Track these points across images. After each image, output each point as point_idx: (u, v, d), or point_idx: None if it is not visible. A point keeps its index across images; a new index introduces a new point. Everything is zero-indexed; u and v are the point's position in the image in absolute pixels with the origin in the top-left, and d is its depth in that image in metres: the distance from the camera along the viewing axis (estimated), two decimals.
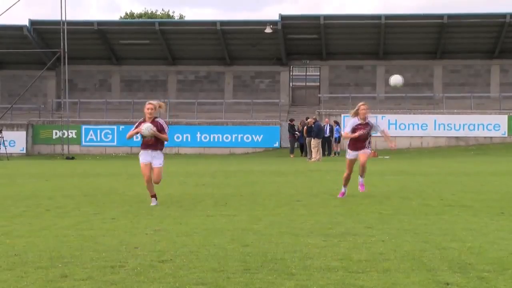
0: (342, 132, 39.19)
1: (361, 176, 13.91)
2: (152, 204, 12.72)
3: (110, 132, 43.01)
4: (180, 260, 7.10)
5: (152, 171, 12.61)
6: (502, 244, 7.99)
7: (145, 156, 12.61)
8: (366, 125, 13.58)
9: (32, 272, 6.56)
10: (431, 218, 10.54)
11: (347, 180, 13.89)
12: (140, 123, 12.62)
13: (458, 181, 18.06)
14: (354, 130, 13.55)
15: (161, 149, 12.84)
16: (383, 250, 7.58)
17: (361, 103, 13.82)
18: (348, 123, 13.90)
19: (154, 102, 12.79)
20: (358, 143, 13.63)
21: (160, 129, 12.52)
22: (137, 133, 12.59)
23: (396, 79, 15.16)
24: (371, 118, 13.99)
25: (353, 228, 9.41)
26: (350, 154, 13.74)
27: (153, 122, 12.53)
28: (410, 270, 6.51)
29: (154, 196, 12.86)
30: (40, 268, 6.77)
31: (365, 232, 9.00)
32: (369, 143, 13.93)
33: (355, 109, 13.74)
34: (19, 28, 46.61)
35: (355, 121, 13.63)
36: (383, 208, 11.83)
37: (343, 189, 13.92)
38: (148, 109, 12.59)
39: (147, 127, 12.40)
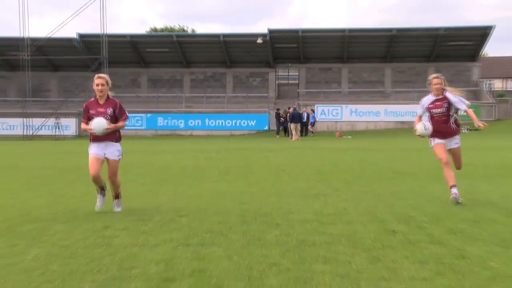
0: (317, 118, 39.64)
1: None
2: (97, 206, 7.46)
3: (140, 119, 42.73)
4: (193, 215, 7.12)
5: (107, 165, 7.62)
6: (436, 202, 8.03)
7: (96, 148, 7.56)
8: (444, 99, 7.88)
9: (82, 224, 6.59)
10: (383, 183, 10.57)
11: (450, 177, 7.81)
12: (88, 107, 7.38)
13: (404, 155, 18.10)
14: (429, 109, 7.97)
15: (116, 139, 7.70)
16: (346, 207, 7.61)
17: (432, 75, 8.04)
18: (419, 104, 8.16)
19: (105, 75, 7.41)
20: (439, 125, 7.95)
21: (119, 111, 7.53)
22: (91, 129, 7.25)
23: (423, 131, 7.86)
24: (451, 94, 7.92)
25: (324, 190, 9.44)
26: (436, 140, 8.00)
27: (109, 102, 7.40)
28: (366, 221, 6.54)
29: (101, 189, 7.47)
30: (88, 221, 6.80)
31: (333, 193, 9.03)
32: (456, 123, 8.00)
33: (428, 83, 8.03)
34: (70, 40, 46.24)
35: (429, 98, 8.01)
36: (347, 176, 11.87)
37: (452, 191, 7.77)
38: (97, 84, 7.24)
39: (99, 126, 7.20)
